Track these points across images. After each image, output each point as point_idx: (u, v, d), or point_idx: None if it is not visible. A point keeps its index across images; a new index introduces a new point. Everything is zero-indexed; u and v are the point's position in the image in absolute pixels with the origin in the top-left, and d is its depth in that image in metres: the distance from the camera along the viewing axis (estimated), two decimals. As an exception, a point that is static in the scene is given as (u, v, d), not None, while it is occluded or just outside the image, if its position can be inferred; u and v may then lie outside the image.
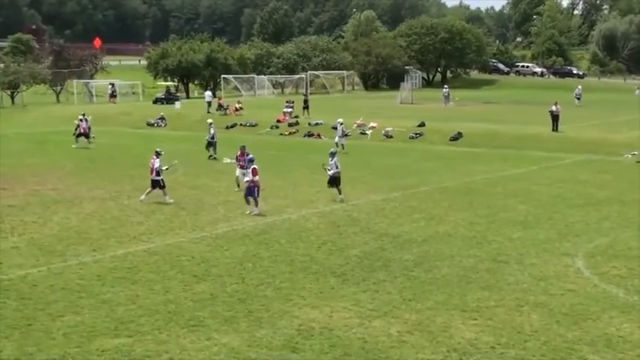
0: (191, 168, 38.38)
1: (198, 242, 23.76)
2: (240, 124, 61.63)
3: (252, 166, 27.63)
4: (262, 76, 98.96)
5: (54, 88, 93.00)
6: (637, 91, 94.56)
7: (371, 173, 38.22)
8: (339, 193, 30.52)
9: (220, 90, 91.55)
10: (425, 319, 16.82)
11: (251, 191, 27.54)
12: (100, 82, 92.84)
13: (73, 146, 48.45)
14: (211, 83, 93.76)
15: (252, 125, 61.03)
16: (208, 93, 73.72)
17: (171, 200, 29.76)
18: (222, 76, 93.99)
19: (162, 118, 65.29)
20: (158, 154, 30.14)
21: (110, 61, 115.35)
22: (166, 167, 30.37)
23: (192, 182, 34.63)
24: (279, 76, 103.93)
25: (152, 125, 64.63)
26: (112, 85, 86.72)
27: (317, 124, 58.70)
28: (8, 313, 17.01)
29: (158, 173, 29.80)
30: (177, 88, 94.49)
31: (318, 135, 55.67)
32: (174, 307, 17.56)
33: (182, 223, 26.35)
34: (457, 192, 32.90)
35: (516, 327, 16.46)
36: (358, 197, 31.38)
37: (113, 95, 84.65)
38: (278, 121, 61.39)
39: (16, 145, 50.07)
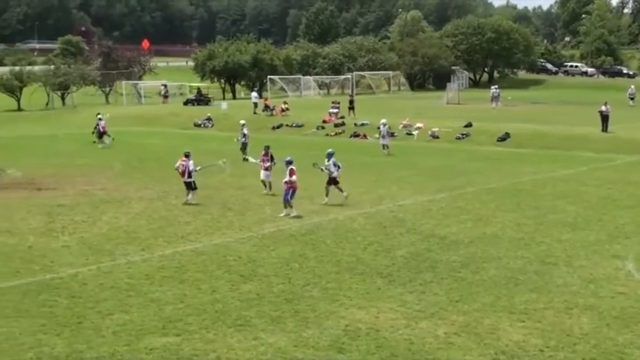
0: (237, 169, 38.51)
1: (244, 242, 23.85)
2: (286, 125, 61.78)
3: (290, 167, 27.60)
4: (308, 77, 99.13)
5: (103, 89, 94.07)
6: None
7: (417, 174, 38.09)
8: (342, 191, 29.96)
9: (266, 91, 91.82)
10: (472, 321, 16.73)
11: (286, 193, 27.47)
12: (148, 84, 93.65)
13: (100, 146, 49.08)
14: (257, 84, 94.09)
15: (298, 126, 61.14)
16: (254, 94, 73.95)
17: (194, 201, 29.78)
18: (269, 76, 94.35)
19: (209, 119, 65.67)
20: (188, 156, 30.14)
21: (158, 62, 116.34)
22: (199, 168, 30.51)
23: (239, 183, 34.77)
24: (324, 76, 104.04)
25: (199, 126, 65.02)
26: (165, 86, 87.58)
27: (363, 124, 58.64)
28: (59, 311, 17.22)
29: (190, 175, 29.77)
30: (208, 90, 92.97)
31: (364, 135, 55.60)
32: (222, 306, 17.66)
33: (229, 223, 26.48)
34: (504, 193, 32.67)
35: (565, 330, 16.30)
36: (404, 198, 31.30)
37: (165, 96, 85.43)
38: (324, 121, 61.43)
39: (67, 145, 50.66)
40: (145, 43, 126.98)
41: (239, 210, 28.74)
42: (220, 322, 16.56)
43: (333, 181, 29.97)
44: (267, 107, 68.28)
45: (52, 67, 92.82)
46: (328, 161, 29.81)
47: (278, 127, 61.49)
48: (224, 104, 75.16)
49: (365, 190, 33.06)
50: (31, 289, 18.89)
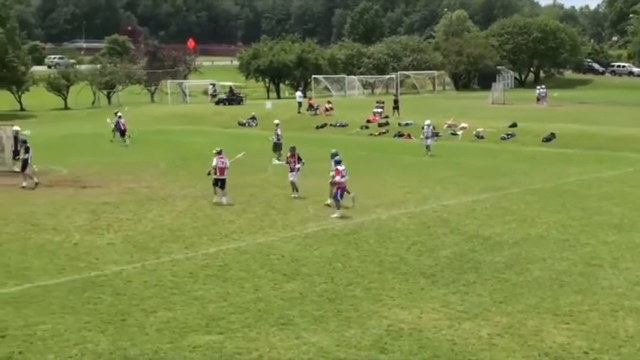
0: (281, 167, 38.60)
1: (288, 241, 23.90)
2: (330, 125, 61.82)
3: (336, 167, 27.51)
4: (352, 77, 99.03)
5: (148, 88, 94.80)
6: None
7: (461, 174, 37.89)
8: (348, 192, 29.06)
9: (311, 90, 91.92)
10: (516, 323, 16.61)
11: (336, 193, 27.40)
12: (193, 83, 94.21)
13: (126, 143, 49.56)
14: (302, 83, 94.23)
15: (342, 125, 61.14)
16: (299, 93, 74.07)
17: (227, 201, 29.64)
18: (313, 76, 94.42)
19: (253, 118, 65.88)
20: (220, 153, 29.99)
21: (203, 61, 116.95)
22: (231, 160, 30.53)
23: (283, 181, 34.77)
24: (369, 76, 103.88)
25: (243, 125, 65.27)
26: (213, 85, 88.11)
27: (407, 124, 58.47)
28: (103, 308, 17.38)
29: (223, 171, 29.68)
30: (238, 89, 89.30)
31: (409, 135, 55.41)
32: (264, 305, 17.70)
33: (272, 222, 26.54)
34: (549, 194, 32.39)
35: (610, 332, 16.12)
36: (448, 198, 31.15)
37: (213, 95, 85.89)
38: (368, 121, 61.37)
39: (112, 143, 51.10)
40: (191, 43, 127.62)
41: (282, 209, 28.80)
42: (263, 321, 16.60)
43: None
44: (311, 107, 68.38)
45: (99, 66, 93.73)
46: (341, 167, 28.58)
47: (322, 127, 61.55)
48: (268, 103, 75.37)
49: (409, 189, 32.97)
50: (76, 286, 19.09)
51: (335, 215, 27.17)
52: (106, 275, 20.08)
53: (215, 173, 29.65)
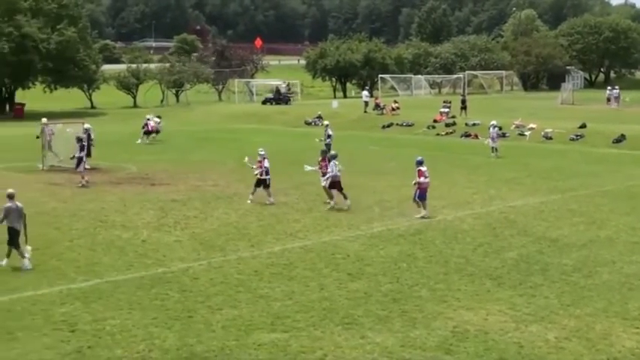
0: (347, 167, 38.59)
1: (353, 241, 23.89)
2: (397, 124, 61.67)
3: (418, 168, 27.28)
4: (419, 76, 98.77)
5: (216, 87, 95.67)
6: None
7: (529, 175, 37.49)
8: (345, 198, 28.87)
9: (377, 89, 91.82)
10: (584, 326, 16.37)
11: (420, 194, 27.16)
12: (260, 82, 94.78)
13: (140, 142, 49.94)
14: (368, 83, 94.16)
15: (408, 125, 60.94)
16: (365, 92, 74.03)
17: (272, 201, 29.57)
18: (380, 75, 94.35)
19: (319, 117, 65.99)
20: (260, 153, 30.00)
21: (270, 60, 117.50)
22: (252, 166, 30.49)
23: (349, 181, 34.75)
24: (436, 75, 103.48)
25: (310, 124, 65.41)
26: (287, 84, 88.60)
27: (474, 124, 58.04)
28: (170, 305, 17.56)
29: (267, 172, 29.60)
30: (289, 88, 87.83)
31: (475, 135, 54.98)
32: (329, 304, 17.71)
33: (337, 222, 26.55)
34: (619, 196, 31.87)
35: (681, 337, 15.81)
36: (515, 199, 30.84)
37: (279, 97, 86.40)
38: (435, 121, 61.08)
39: (180, 141, 51.64)
40: (258, 42, 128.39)
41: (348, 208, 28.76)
42: (328, 320, 16.62)
43: (335, 185, 28.82)
44: (377, 106, 68.33)
45: (167, 65, 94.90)
46: (331, 162, 28.62)
47: (388, 126, 61.43)
48: (334, 103, 75.48)
49: (475, 190, 32.73)
50: (144, 282, 19.32)
51: (419, 215, 27.02)
52: (172, 272, 20.29)
53: (262, 175, 29.49)
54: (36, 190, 31.77)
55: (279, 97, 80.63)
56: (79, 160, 33.57)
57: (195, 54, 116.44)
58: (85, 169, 34.21)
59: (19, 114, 73.13)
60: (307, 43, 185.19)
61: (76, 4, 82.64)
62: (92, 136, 37.92)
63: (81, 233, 24.46)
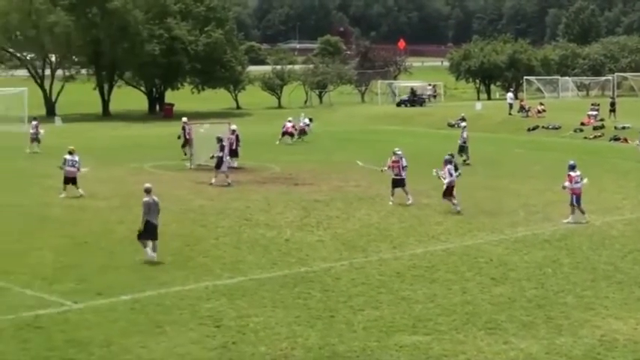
0: (491, 170, 38.18)
1: (496, 245, 23.58)
2: (542, 127, 60.48)
3: (568, 173, 26.62)
4: (566, 78, 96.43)
5: (359, 88, 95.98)
6: None
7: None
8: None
9: (522, 91, 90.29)
10: None
11: (572, 198, 26.54)
12: (403, 83, 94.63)
13: (276, 143, 50.28)
14: (513, 85, 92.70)
15: (554, 128, 59.67)
16: (510, 94, 72.87)
17: (411, 201, 29.63)
18: (525, 77, 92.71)
19: (462, 119, 65.29)
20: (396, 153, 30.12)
21: (413, 62, 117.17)
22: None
23: (492, 184, 34.42)
24: (584, 77, 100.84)
25: (453, 126, 64.78)
26: (433, 86, 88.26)
27: (624, 127, 56.33)
28: (313, 304, 17.72)
29: (401, 171, 29.77)
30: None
31: (625, 139, 53.29)
32: (472, 308, 17.53)
33: (481, 225, 26.25)
34: None
35: None
36: (667, 205, 29.76)
37: (433, 96, 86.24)
38: (582, 124, 59.59)
39: (323, 142, 52.04)
40: (401, 43, 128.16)
41: (491, 212, 28.42)
42: (470, 324, 16.45)
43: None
44: (522, 108, 67.20)
45: (311, 66, 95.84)
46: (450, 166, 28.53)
47: (533, 129, 60.30)
48: (478, 105, 74.60)
49: (624, 195, 31.81)
50: (287, 281, 19.58)
51: (567, 220, 26.47)
52: (315, 271, 20.48)
53: (397, 174, 29.73)
54: (184, 188, 32.67)
55: (414, 99, 79.79)
56: (220, 160, 34.00)
57: (338, 55, 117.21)
58: (230, 168, 34.79)
59: (168, 114, 75.19)
60: (451, 44, 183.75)
61: (223, 6, 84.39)
62: (239, 137, 38.65)
63: (226, 231, 24.98)
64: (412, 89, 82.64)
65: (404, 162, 29.86)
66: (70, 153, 30.35)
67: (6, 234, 24.13)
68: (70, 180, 30.12)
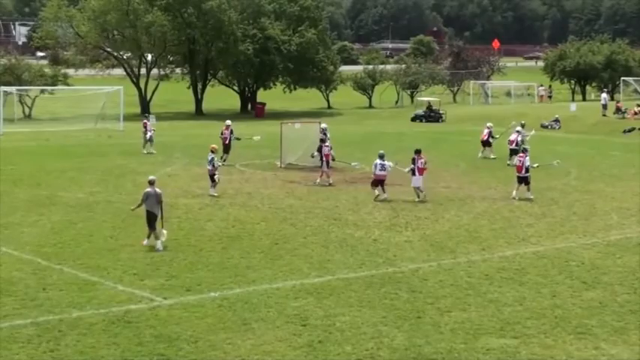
0: (585, 172, 37.50)
1: (588, 248, 23.14)
2: (639, 129, 59.08)
3: None
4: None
5: (451, 88, 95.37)
6: None
7: None
8: (384, 192, 30.26)
9: (619, 93, 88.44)
10: None
11: None
12: (495, 84, 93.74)
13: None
14: (609, 86, 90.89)
15: (651, 130, 58.22)
16: (604, 95, 71.45)
17: (532, 196, 30.03)
18: (622, 78, 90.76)
19: (556, 121, 64.35)
20: (525, 151, 30.88)
21: (507, 62, 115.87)
22: (536, 165, 31.19)
23: (585, 187, 33.79)
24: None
25: (546, 127, 63.87)
26: (548, 87, 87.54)
27: None
28: (400, 304, 17.66)
29: (527, 170, 30.15)
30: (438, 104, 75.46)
31: None
32: (562, 312, 17.24)
33: (572, 228, 25.80)
34: None
35: None
36: None
37: (549, 96, 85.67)
38: (681, 126, 58.03)
39: (412, 142, 51.61)
40: (496, 43, 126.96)
41: (584, 215, 27.93)
42: (560, 328, 16.18)
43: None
44: (618, 110, 65.80)
45: (403, 66, 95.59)
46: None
47: (629, 131, 58.92)
48: (573, 106, 73.31)
49: None
50: (374, 281, 19.55)
51: None
52: (402, 272, 20.41)
53: (520, 171, 30.40)
54: (274, 187, 32.92)
55: (431, 114, 70.45)
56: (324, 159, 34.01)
57: (431, 55, 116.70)
58: (329, 167, 34.70)
59: (260, 113, 75.88)
60: (546, 44, 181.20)
61: (316, 6, 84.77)
62: (328, 136, 38.70)
63: (315, 230, 25.07)
64: (429, 103, 73.52)
65: (527, 162, 30.22)
66: (213, 152, 30.93)
67: (100, 230, 24.69)
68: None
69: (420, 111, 72.05)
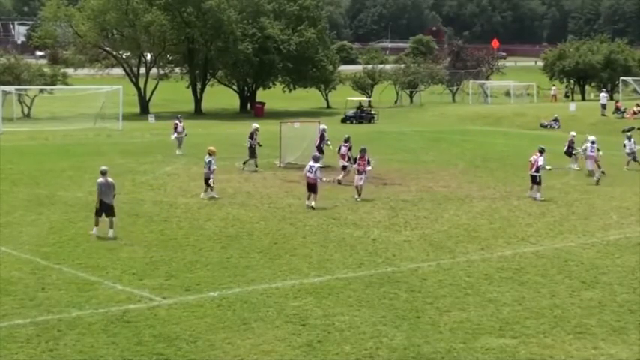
0: (584, 171, 37.46)
1: (587, 248, 23.14)
2: (638, 128, 59.08)
3: None
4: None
5: (450, 88, 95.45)
6: None
7: None
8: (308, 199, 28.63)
9: (618, 92, 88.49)
10: None
11: None
12: (495, 83, 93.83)
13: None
14: (608, 85, 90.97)
15: (650, 129, 58.24)
16: (603, 94, 71.52)
17: (542, 198, 29.96)
18: (621, 78, 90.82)
19: (555, 120, 64.43)
20: (542, 152, 30.54)
21: (506, 62, 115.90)
22: (549, 168, 30.78)
23: (585, 187, 33.81)
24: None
25: (545, 127, 63.98)
26: (555, 86, 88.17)
27: None
28: (399, 304, 17.66)
29: (537, 170, 30.13)
30: (370, 104, 77.40)
31: None
32: (561, 311, 17.25)
33: (571, 228, 25.81)
34: None
35: None
36: None
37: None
38: (680, 125, 58.07)
39: (413, 142, 51.84)
40: (495, 43, 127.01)
41: (583, 214, 27.95)
42: (559, 328, 16.19)
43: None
44: (617, 109, 65.86)
45: (402, 65, 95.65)
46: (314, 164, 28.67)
47: (629, 130, 58.86)
48: (572, 105, 73.39)
49: None
50: (373, 280, 19.54)
51: None
52: (402, 271, 20.40)
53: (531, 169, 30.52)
54: (273, 187, 32.90)
55: (362, 115, 69.23)
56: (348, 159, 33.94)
57: (430, 55, 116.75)
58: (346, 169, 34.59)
59: (259, 113, 75.86)
60: (545, 44, 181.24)
61: (316, 6, 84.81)
62: (326, 137, 38.69)
63: (314, 230, 25.05)
64: (360, 104, 72.45)
65: (540, 161, 30.17)
66: (210, 154, 30.27)
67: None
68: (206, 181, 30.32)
69: (351, 112, 70.07)
